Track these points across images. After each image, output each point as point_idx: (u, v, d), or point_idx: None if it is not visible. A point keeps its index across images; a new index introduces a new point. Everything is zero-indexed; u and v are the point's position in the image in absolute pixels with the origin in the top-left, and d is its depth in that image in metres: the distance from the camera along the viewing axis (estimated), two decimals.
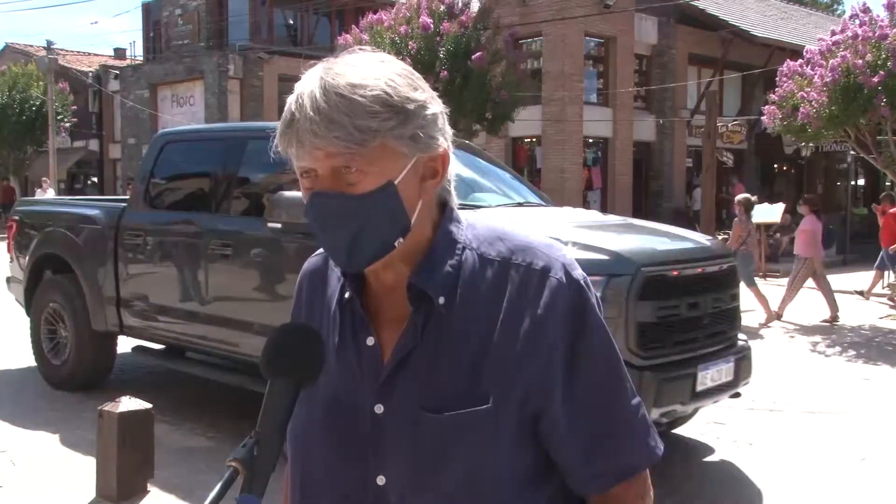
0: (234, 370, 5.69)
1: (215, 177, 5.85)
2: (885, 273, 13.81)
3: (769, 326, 10.78)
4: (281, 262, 5.19)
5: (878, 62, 11.86)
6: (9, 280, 7.72)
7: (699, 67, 25.10)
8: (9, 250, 7.50)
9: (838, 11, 39.97)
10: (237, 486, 0.98)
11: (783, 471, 5.18)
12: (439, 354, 1.11)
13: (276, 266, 5.24)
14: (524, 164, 23.57)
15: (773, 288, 12.68)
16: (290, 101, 1.08)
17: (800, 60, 13.25)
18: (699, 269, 4.64)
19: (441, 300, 1.12)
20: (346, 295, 1.18)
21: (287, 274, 5.10)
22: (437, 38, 15.61)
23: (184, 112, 28.34)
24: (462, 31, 15.82)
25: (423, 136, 1.09)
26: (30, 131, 28.46)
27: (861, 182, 28.30)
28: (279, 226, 4.92)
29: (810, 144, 17.44)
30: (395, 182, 1.08)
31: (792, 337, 10.22)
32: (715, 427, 5.95)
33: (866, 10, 12.58)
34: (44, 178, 25.36)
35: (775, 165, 28.13)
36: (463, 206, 5.03)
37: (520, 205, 5.59)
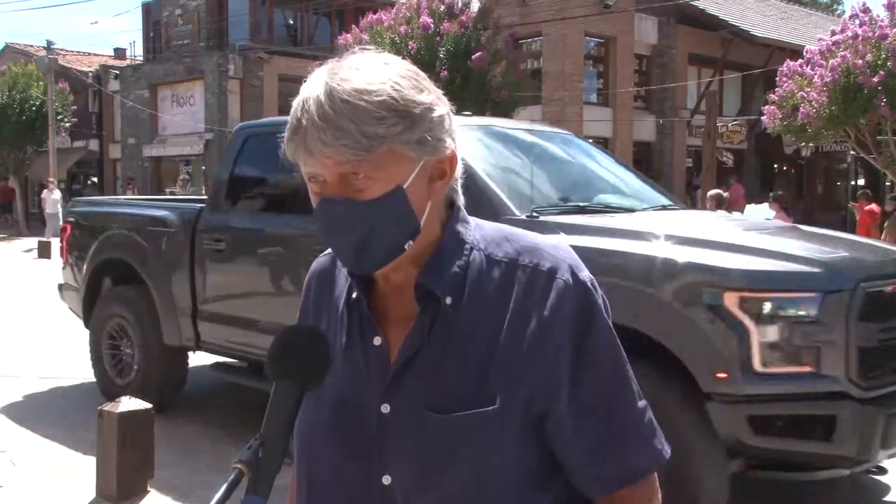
0: None
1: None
2: None
3: None
4: None
5: (878, 62, 11.87)
6: (62, 288, 7.01)
7: (699, 67, 25.11)
8: (62, 255, 6.86)
9: (838, 11, 39.96)
10: (242, 488, 0.98)
11: None
12: (446, 354, 1.12)
13: None
14: None
15: None
16: (296, 105, 1.08)
17: (800, 60, 13.26)
18: None
19: (448, 300, 1.12)
20: (354, 295, 1.19)
21: None
22: (437, 38, 15.62)
23: (184, 112, 28.35)
24: (462, 31, 15.84)
25: (431, 139, 1.09)
26: (30, 131, 28.45)
27: (861, 182, 28.30)
28: None
29: (810, 144, 17.45)
30: (404, 186, 1.08)
31: None
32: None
33: (866, 10, 12.59)
34: (50, 179, 25.30)
35: (775, 165, 28.14)
36: (597, 210, 4.44)
37: (664, 208, 4.96)
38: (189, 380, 6.49)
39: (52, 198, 23.50)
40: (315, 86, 1.07)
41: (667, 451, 1.19)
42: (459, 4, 16.44)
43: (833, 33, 12.76)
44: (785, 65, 13.53)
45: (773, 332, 3.37)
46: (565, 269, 1.15)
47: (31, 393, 6.75)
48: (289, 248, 5.14)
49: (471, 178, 4.04)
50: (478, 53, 15.55)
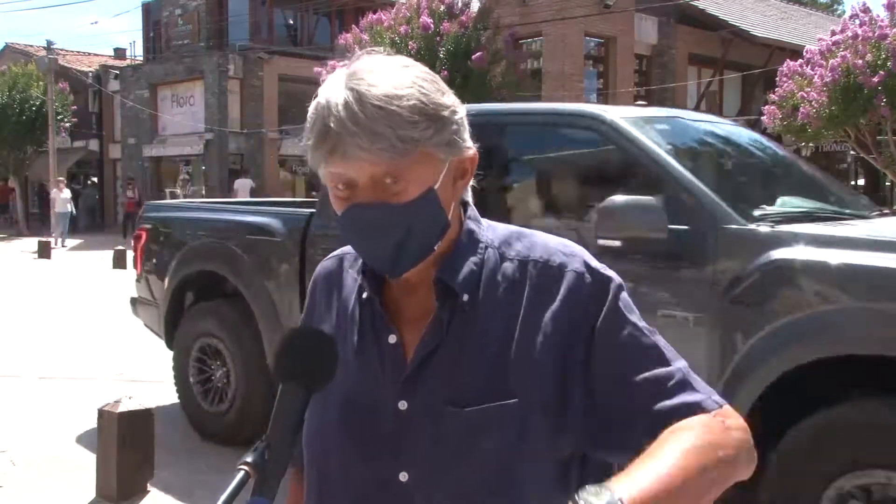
0: None
1: (498, 173, 4.46)
2: None
3: None
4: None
5: (878, 62, 11.88)
6: (136, 302, 6.23)
7: (699, 67, 25.11)
8: (136, 266, 6.09)
9: (838, 11, 39.97)
10: (247, 490, 0.98)
11: None
12: (463, 351, 1.13)
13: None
14: None
15: None
16: (318, 111, 1.07)
17: (800, 60, 13.26)
18: None
19: (465, 297, 1.14)
20: (364, 295, 1.20)
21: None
22: (437, 38, 15.62)
23: (184, 112, 28.35)
24: (462, 31, 15.84)
25: (458, 139, 1.12)
26: (30, 131, 28.44)
27: (861, 182, 28.29)
28: (617, 243, 3.55)
29: (810, 144, 17.44)
30: (435, 187, 1.10)
31: None
32: None
33: (866, 10, 12.59)
34: (59, 178, 25.21)
35: None
36: (827, 216, 3.79)
37: (882, 214, 4.30)
38: None
39: (62, 197, 23.40)
40: (336, 91, 1.07)
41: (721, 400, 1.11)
42: (459, 4, 16.43)
43: (833, 33, 12.76)
44: (785, 65, 13.53)
45: None
46: (575, 262, 1.16)
47: (31, 393, 6.75)
48: None
49: (676, 181, 3.57)
50: (478, 53, 15.55)
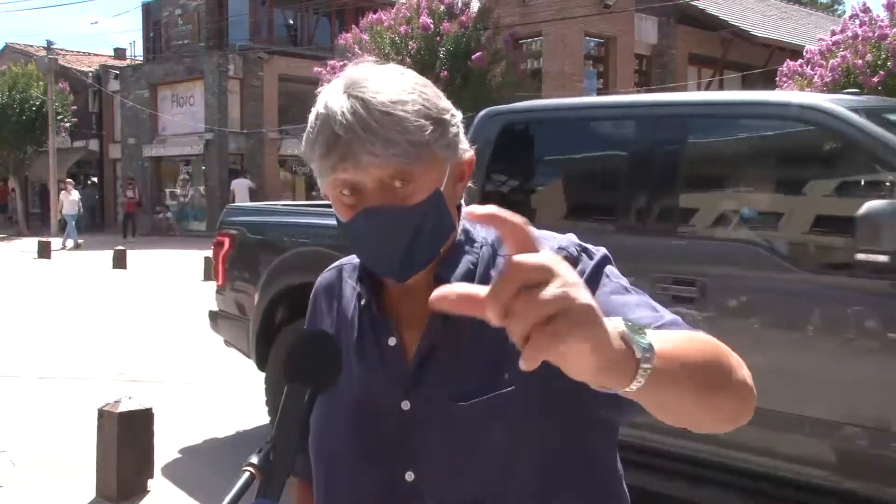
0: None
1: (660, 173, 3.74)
2: None
3: None
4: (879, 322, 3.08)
5: (878, 62, 11.87)
6: (215, 316, 5.57)
7: (699, 67, 25.11)
8: (217, 277, 5.39)
9: (838, 11, 39.98)
10: (251, 491, 0.99)
11: None
12: (462, 348, 1.15)
13: (867, 328, 3.12)
14: None
15: None
16: (323, 121, 1.07)
17: (800, 60, 13.26)
18: None
19: None
20: (363, 301, 1.22)
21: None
22: (437, 38, 15.63)
23: (184, 112, 28.35)
24: (462, 31, 15.84)
25: (457, 142, 1.15)
26: (30, 131, 28.47)
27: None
28: (883, 258, 3.00)
29: None
30: (441, 189, 1.12)
31: None
32: None
33: (866, 10, 12.58)
34: (68, 180, 25.11)
35: None
36: None
37: None
38: (189, 378, 6.49)
39: (70, 198, 23.33)
40: (338, 100, 1.07)
41: None
42: (459, 4, 16.44)
43: (833, 33, 12.76)
44: (785, 65, 13.53)
45: None
46: (563, 241, 1.17)
47: (31, 393, 6.75)
48: None
49: None
50: (478, 53, 15.56)
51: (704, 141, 3.89)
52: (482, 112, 4.45)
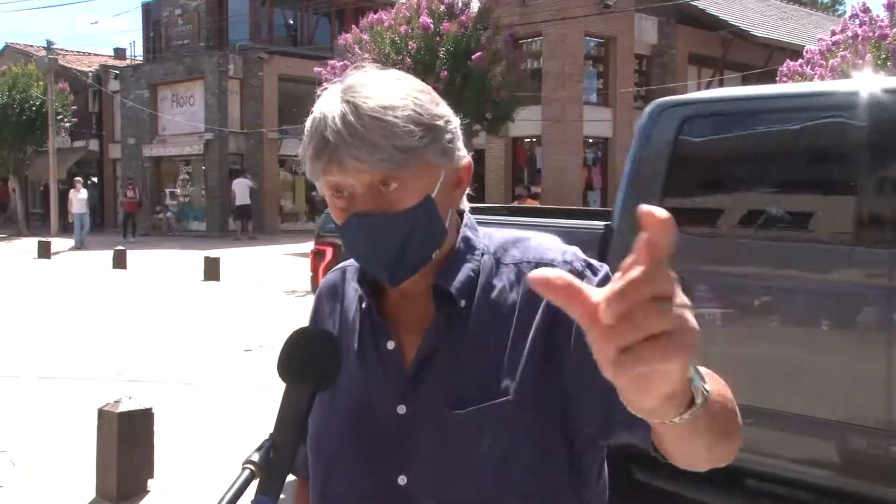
0: None
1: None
2: None
3: None
4: None
5: (878, 62, 11.87)
6: None
7: (699, 67, 25.12)
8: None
9: (839, 11, 39.96)
10: (250, 491, 0.99)
11: None
12: (460, 356, 1.15)
13: None
14: (524, 164, 23.58)
15: None
16: (315, 124, 1.10)
17: (800, 60, 13.26)
18: None
19: (462, 303, 1.16)
20: (364, 304, 1.23)
21: None
22: (437, 38, 15.62)
23: (184, 112, 28.35)
24: (462, 31, 15.84)
25: (452, 149, 1.15)
26: (30, 131, 28.45)
27: None
28: None
29: None
30: (433, 196, 1.13)
31: None
32: None
33: (866, 10, 12.58)
34: (77, 179, 24.93)
35: None
36: None
37: None
38: (189, 378, 6.49)
39: (79, 197, 23.24)
40: (333, 104, 1.10)
41: None
42: (459, 4, 16.44)
43: (833, 33, 12.76)
44: (785, 65, 13.52)
45: None
46: (567, 255, 1.17)
47: (31, 393, 6.75)
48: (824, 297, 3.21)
49: None
50: (478, 53, 15.55)
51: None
52: (653, 105, 3.89)
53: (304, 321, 1.37)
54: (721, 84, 24.25)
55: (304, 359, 1.07)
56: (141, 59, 32.63)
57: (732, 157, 3.80)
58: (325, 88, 1.15)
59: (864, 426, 3.07)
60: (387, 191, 1.09)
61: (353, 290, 1.28)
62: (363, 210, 1.10)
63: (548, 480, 1.14)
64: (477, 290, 1.17)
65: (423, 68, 14.65)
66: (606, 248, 3.56)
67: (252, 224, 25.18)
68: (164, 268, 17.13)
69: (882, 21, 12.30)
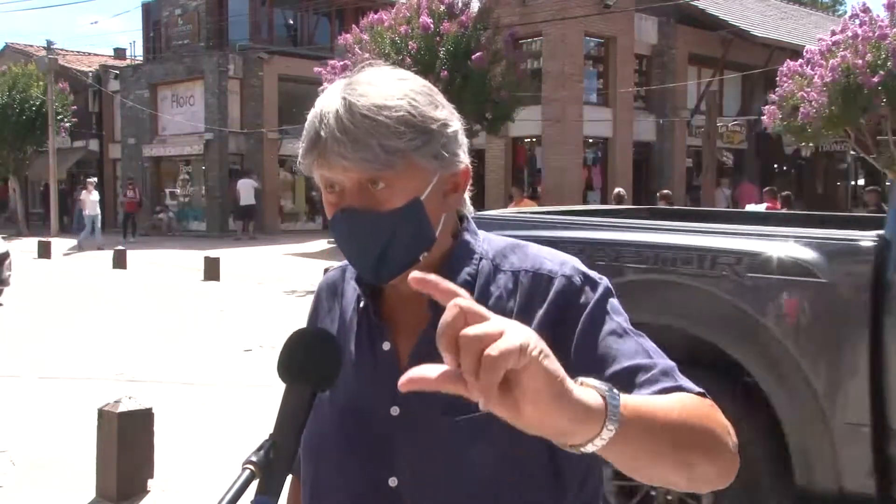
0: None
1: None
2: None
3: None
4: None
5: (878, 62, 11.88)
6: None
7: (699, 67, 25.11)
8: None
9: (839, 11, 39.95)
10: (250, 490, 0.99)
11: None
12: None
13: None
14: (524, 164, 23.58)
15: None
16: (313, 118, 1.11)
17: (800, 60, 13.27)
18: None
19: None
20: (362, 304, 1.23)
21: None
22: (437, 38, 15.62)
23: (184, 112, 28.34)
24: (462, 31, 15.84)
25: (446, 153, 1.14)
26: (30, 131, 28.43)
27: (861, 182, 28.29)
28: None
29: (810, 144, 17.45)
30: (421, 199, 1.12)
31: None
32: None
33: (866, 10, 12.59)
34: (90, 180, 24.71)
35: (775, 166, 28.14)
36: None
37: None
38: (189, 378, 6.49)
39: (91, 199, 23.16)
40: (332, 100, 1.11)
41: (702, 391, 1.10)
42: (459, 4, 16.44)
43: (833, 33, 12.77)
44: (785, 65, 13.55)
45: None
46: (566, 268, 1.17)
47: (31, 393, 6.75)
48: None
49: None
50: (478, 53, 15.55)
51: None
52: None
53: (304, 321, 1.36)
54: (721, 84, 24.28)
55: (304, 359, 1.06)
56: (141, 59, 32.61)
57: None
58: (326, 88, 1.16)
59: None
60: (375, 189, 1.10)
61: (352, 289, 1.27)
62: (349, 206, 1.11)
63: (536, 490, 1.14)
64: (474, 295, 1.16)
65: (423, 68, 14.64)
66: (884, 263, 3.00)
67: (253, 224, 25.18)
68: (164, 268, 17.12)
69: (882, 21, 12.31)
